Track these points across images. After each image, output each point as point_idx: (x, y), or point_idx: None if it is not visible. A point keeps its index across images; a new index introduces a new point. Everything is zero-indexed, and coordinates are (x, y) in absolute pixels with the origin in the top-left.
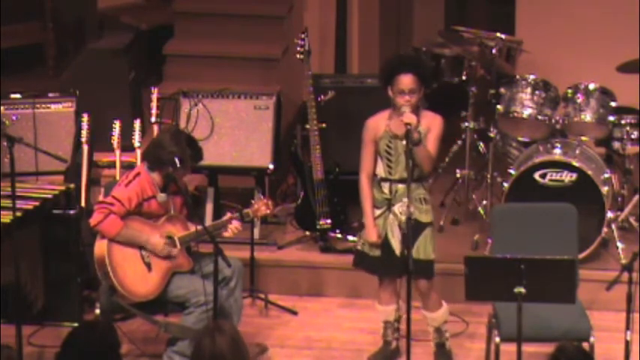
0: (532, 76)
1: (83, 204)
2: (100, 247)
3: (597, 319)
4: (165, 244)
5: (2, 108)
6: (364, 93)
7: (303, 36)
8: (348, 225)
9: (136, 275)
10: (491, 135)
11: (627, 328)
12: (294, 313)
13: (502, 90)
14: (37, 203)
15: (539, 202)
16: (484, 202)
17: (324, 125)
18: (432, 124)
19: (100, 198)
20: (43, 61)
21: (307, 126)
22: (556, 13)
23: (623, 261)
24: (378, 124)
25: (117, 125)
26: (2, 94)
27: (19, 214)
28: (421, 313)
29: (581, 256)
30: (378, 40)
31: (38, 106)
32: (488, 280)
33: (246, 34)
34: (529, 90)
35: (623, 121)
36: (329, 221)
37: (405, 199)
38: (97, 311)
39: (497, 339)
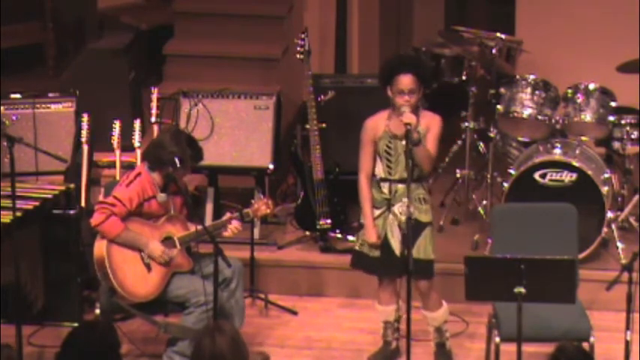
0: (532, 76)
1: (83, 204)
2: (100, 247)
3: (597, 319)
4: (163, 252)
5: (2, 108)
6: (364, 93)
7: (303, 36)
8: (348, 225)
9: (135, 276)
10: (491, 135)
11: (627, 328)
12: (294, 313)
13: (502, 90)
14: (37, 203)
15: (539, 202)
16: (484, 202)
17: (324, 125)
18: (431, 124)
19: (101, 198)
20: (43, 61)
21: (307, 126)
22: (556, 13)
23: (623, 261)
24: (377, 124)
25: (117, 125)
26: (2, 94)
27: (19, 214)
28: (421, 313)
29: (581, 256)
30: (378, 40)
31: (38, 106)
32: (488, 280)
33: (246, 34)
34: (529, 90)
35: (623, 121)
36: (329, 221)
37: (405, 199)
38: (97, 311)
39: (497, 339)
